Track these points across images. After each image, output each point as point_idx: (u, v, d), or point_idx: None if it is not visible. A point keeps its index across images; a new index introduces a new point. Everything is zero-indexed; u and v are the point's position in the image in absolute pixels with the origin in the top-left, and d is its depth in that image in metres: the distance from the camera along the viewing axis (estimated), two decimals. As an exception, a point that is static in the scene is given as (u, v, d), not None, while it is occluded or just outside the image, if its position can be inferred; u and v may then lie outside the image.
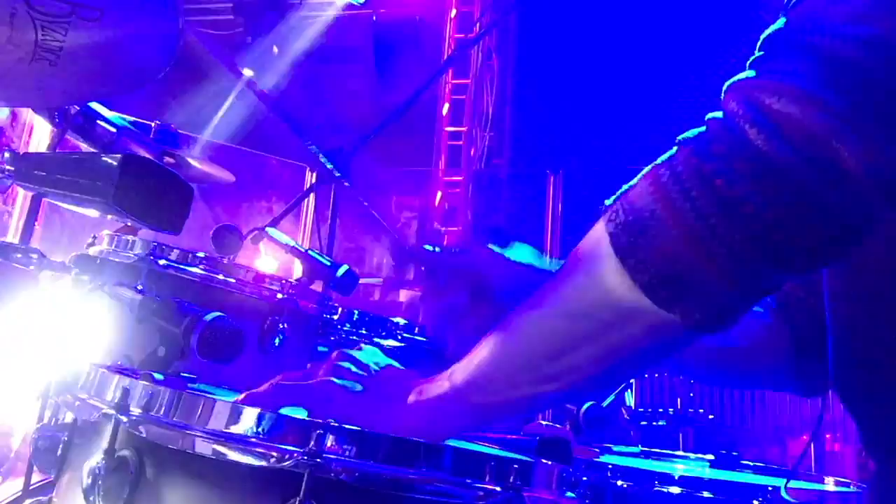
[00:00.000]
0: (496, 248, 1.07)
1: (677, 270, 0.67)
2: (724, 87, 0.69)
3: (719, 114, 0.68)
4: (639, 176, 0.72)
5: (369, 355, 0.92)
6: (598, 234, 0.73)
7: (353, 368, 0.89)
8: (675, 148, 0.70)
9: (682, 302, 0.68)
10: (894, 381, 0.76)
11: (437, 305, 1.06)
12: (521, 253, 1.09)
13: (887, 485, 0.78)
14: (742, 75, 0.69)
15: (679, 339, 0.74)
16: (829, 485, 1.48)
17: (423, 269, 1.08)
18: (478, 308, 1.05)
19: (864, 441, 0.81)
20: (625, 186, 0.73)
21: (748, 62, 0.70)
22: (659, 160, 0.71)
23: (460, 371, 0.83)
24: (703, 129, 0.69)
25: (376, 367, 0.90)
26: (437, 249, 1.09)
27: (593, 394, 1.65)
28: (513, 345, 0.81)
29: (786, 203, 0.63)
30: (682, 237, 0.66)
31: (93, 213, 1.51)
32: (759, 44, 0.70)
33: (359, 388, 0.86)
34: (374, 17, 5.96)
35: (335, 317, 2.00)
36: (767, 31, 0.69)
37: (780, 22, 0.69)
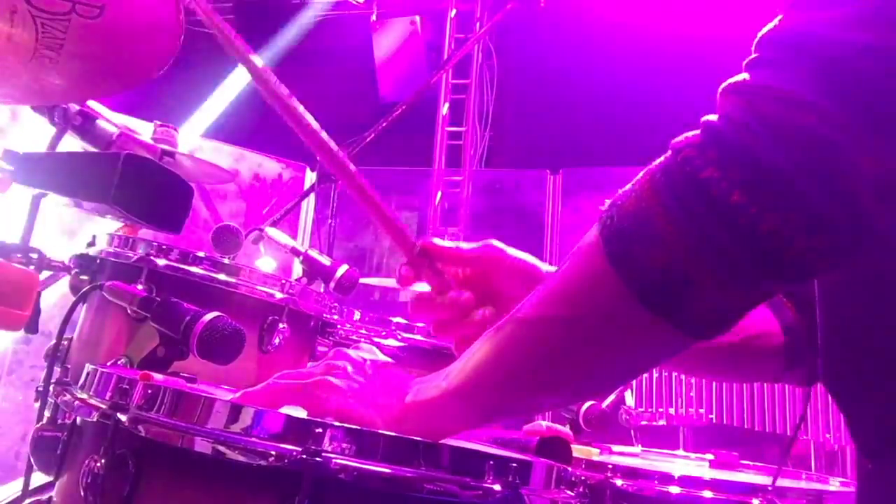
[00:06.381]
0: (498, 244, 1.05)
1: (672, 279, 0.66)
2: (720, 90, 0.68)
3: (714, 117, 0.67)
4: (633, 181, 0.71)
5: (366, 355, 0.92)
6: (593, 240, 0.72)
7: (350, 368, 0.88)
8: (669, 153, 0.69)
9: (677, 309, 0.68)
10: (882, 377, 0.76)
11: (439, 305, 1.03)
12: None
13: (877, 484, 0.78)
14: (738, 78, 0.67)
15: (674, 345, 0.74)
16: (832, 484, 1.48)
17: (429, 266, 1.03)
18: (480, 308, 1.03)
19: (854, 439, 0.81)
20: (620, 191, 0.72)
21: (744, 63, 0.68)
22: (653, 165, 0.70)
23: (455, 373, 0.83)
24: (697, 132, 0.68)
25: (372, 367, 0.90)
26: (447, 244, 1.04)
27: (591, 396, 1.65)
28: (507, 350, 0.80)
29: (784, 211, 0.62)
30: (677, 246, 0.65)
31: (93, 213, 1.51)
32: (754, 44, 0.68)
33: (355, 386, 0.86)
34: (374, 17, 5.96)
35: (335, 317, 2.00)
36: (763, 31, 0.68)
37: (776, 22, 0.67)
